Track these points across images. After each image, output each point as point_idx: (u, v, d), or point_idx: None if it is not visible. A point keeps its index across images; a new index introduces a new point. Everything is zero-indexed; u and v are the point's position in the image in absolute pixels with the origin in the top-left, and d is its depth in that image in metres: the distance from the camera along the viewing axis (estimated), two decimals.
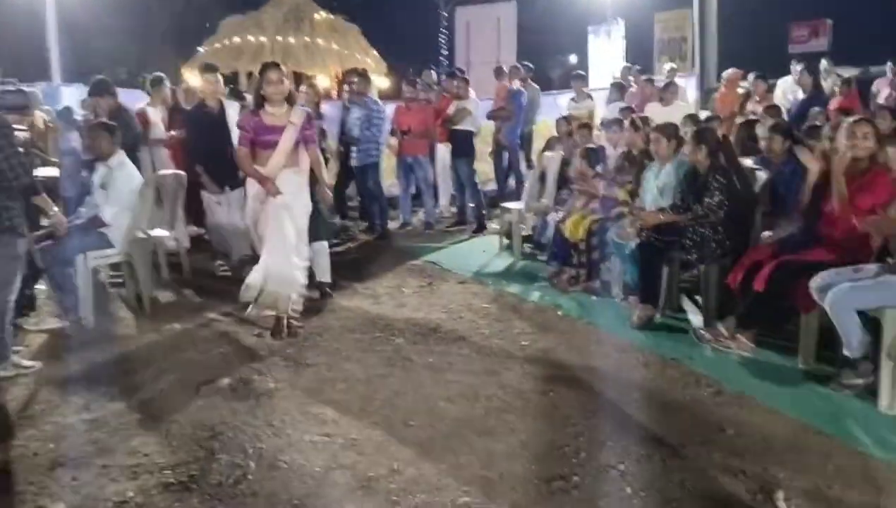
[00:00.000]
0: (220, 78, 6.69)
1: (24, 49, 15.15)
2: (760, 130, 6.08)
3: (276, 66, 5.06)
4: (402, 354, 4.73)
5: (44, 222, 5.18)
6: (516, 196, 9.31)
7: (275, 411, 3.88)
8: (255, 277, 4.95)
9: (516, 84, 10.50)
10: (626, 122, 6.59)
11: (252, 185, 5.09)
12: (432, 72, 11.29)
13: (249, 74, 12.09)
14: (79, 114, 8.53)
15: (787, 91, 9.67)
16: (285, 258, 4.96)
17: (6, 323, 4.38)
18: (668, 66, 11.68)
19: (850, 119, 4.44)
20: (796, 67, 9.37)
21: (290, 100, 5.06)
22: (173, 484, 3.16)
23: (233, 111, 6.54)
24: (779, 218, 5.08)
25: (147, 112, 7.76)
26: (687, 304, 5.55)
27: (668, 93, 9.37)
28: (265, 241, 5.02)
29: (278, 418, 3.79)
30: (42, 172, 6.44)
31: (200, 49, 13.12)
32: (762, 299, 4.41)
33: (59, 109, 8.49)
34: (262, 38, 12.19)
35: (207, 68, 6.71)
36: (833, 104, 8.45)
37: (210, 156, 6.42)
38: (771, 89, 9.46)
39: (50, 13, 11.54)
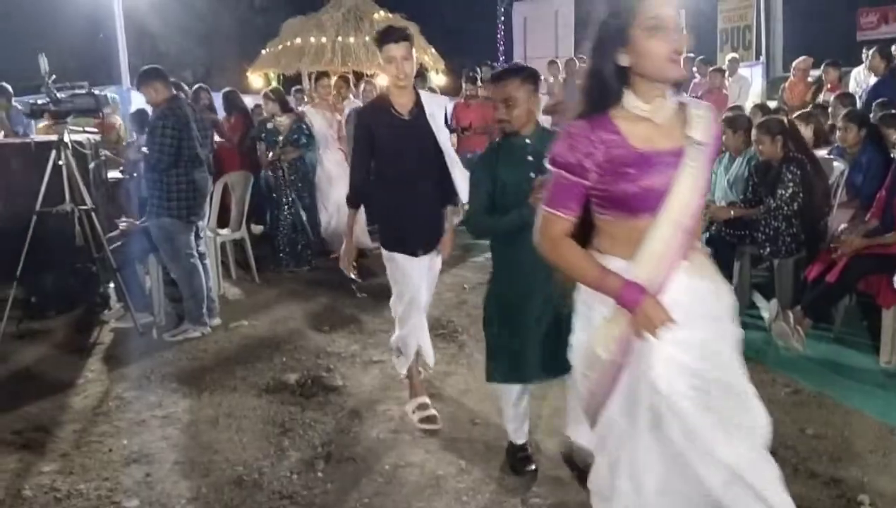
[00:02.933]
0: (414, 54, 3.63)
1: (93, 54, 15.66)
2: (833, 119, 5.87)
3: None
4: (465, 351, 4.71)
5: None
6: None
7: (343, 408, 3.91)
8: None
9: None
10: None
11: (593, 302, 2.09)
12: (493, 66, 11.23)
13: (311, 75, 12.21)
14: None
15: (861, 81, 9.31)
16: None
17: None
18: (729, 55, 11.38)
19: None
20: (869, 54, 9.01)
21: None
22: (245, 481, 3.20)
23: (437, 107, 3.82)
24: (856, 209, 4.90)
25: (307, 113, 7.47)
26: (759, 300, 5.39)
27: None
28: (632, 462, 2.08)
29: (346, 415, 3.82)
30: (111, 175, 6.64)
31: (264, 51, 13.31)
32: (832, 291, 4.29)
33: (132, 112, 8.70)
34: (323, 39, 12.29)
35: (388, 36, 3.51)
36: None
37: (396, 196, 3.67)
38: (843, 77, 9.12)
39: (118, 19, 11.87)
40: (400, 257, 3.68)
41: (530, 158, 2.92)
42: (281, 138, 6.92)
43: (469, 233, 3.26)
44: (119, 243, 5.45)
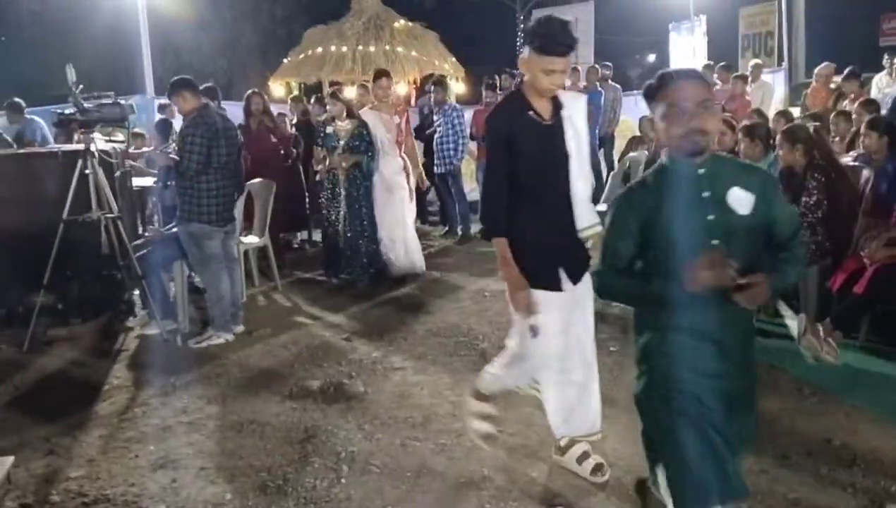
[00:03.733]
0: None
1: (118, 64, 15.86)
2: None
3: None
4: (487, 359, 4.66)
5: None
6: (595, 198, 9.18)
7: (365, 414, 3.92)
8: None
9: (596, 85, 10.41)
10: None
11: None
12: (512, 74, 11.26)
13: (332, 84, 12.32)
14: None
15: (883, 87, 9.24)
16: None
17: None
18: (752, 61, 11.33)
19: None
20: (892, 60, 8.95)
21: None
22: (269, 487, 3.23)
23: (577, 110, 3.16)
24: (878, 218, 4.85)
25: (363, 115, 6.74)
26: (784, 309, 5.34)
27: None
28: None
29: (368, 421, 3.83)
30: (138, 183, 6.72)
31: (286, 60, 13.44)
32: (861, 303, 4.24)
33: (156, 121, 8.83)
34: (344, 48, 12.39)
35: (555, 47, 2.91)
36: None
37: (539, 216, 3.10)
38: (863, 85, 9.04)
39: (143, 29, 12.05)
40: (542, 295, 3.05)
41: (706, 195, 2.14)
42: (341, 144, 6.43)
43: (597, 294, 2.45)
44: (144, 251, 5.52)
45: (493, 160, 3.15)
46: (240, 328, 5.35)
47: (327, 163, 6.54)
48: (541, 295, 3.03)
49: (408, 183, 6.93)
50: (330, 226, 6.65)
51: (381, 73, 6.97)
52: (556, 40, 2.89)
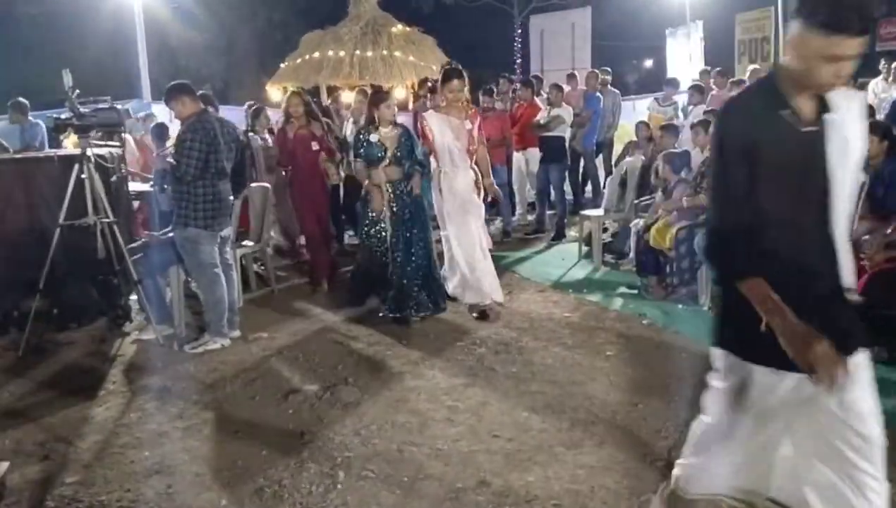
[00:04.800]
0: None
1: (114, 68, 15.88)
2: None
3: None
4: (484, 364, 4.71)
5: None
6: (592, 203, 9.23)
7: (361, 419, 3.91)
8: None
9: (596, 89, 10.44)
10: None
11: None
12: (510, 79, 11.30)
13: (329, 89, 12.31)
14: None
15: (879, 91, 9.29)
16: None
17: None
18: (750, 67, 11.37)
19: None
20: (890, 66, 9.00)
21: None
22: (265, 492, 3.22)
23: (851, 111, 2.16)
24: (876, 222, 4.86)
25: (426, 119, 5.98)
26: None
27: None
28: None
29: (365, 426, 3.82)
30: (135, 187, 6.71)
31: (283, 65, 13.44)
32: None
33: (152, 126, 8.80)
34: (342, 53, 12.38)
35: (852, 26, 1.92)
36: None
37: (781, 257, 2.11)
38: (860, 88, 9.10)
39: (140, 34, 12.08)
40: (759, 372, 2.17)
41: None
42: (388, 155, 5.64)
43: None
44: (140, 255, 5.51)
45: (727, 175, 2.17)
46: (236, 333, 5.34)
47: (370, 177, 5.70)
48: (756, 372, 2.18)
49: (479, 197, 5.95)
50: (372, 251, 5.81)
51: (452, 73, 5.89)
52: (851, 14, 1.94)
